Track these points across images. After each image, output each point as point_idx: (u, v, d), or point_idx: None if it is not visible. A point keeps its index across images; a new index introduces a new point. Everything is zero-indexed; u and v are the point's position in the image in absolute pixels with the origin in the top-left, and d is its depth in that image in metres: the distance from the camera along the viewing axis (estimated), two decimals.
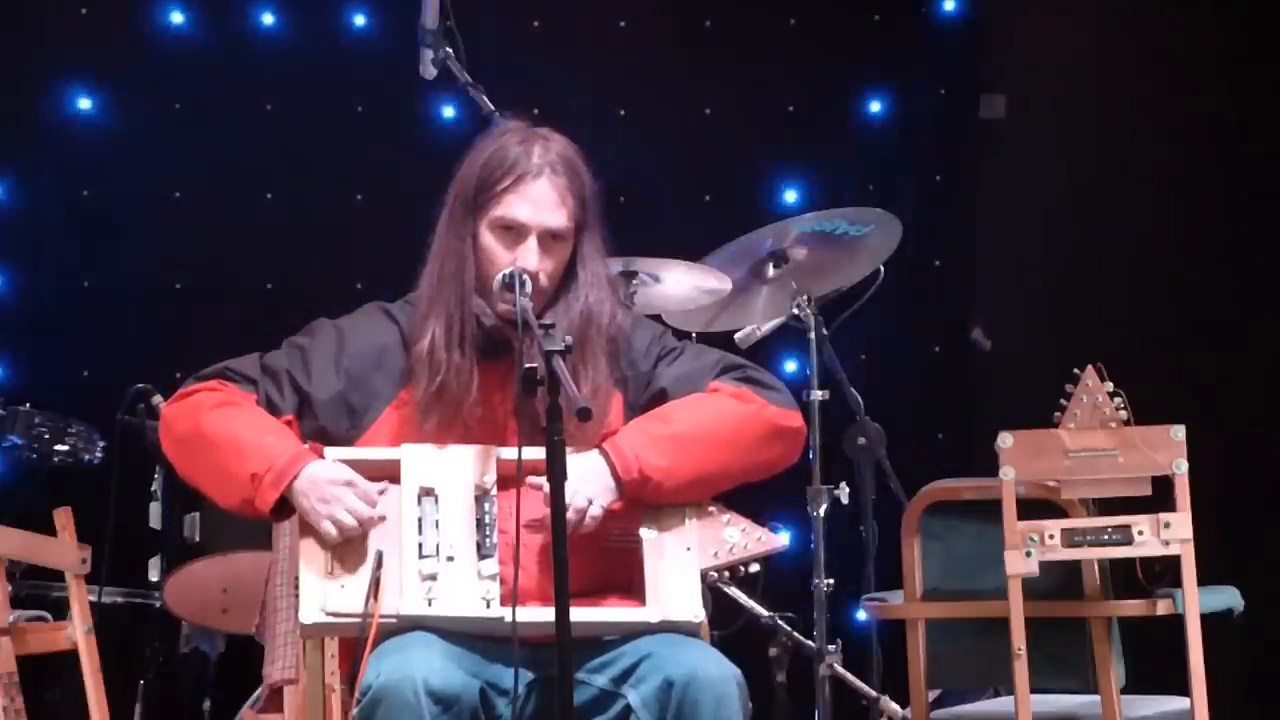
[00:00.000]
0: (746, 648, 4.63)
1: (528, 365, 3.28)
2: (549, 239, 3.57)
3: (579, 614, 3.27)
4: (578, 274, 3.60)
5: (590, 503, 3.42)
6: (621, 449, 3.47)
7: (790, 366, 6.05)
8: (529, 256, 3.54)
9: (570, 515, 3.36)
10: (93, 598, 4.21)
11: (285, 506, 3.40)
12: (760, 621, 4.96)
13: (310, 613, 3.33)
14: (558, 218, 3.57)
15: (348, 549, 3.39)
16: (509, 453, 3.41)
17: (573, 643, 3.20)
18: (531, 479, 3.36)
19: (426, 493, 3.42)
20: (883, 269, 5.08)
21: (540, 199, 3.56)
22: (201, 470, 3.49)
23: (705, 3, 6.56)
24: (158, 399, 4.87)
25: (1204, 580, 3.83)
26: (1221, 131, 6.23)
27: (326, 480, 3.38)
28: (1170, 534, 3.77)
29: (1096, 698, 3.89)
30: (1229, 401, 6.03)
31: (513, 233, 3.56)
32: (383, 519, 3.40)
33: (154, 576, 5.05)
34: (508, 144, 3.61)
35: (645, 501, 3.50)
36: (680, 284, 4.92)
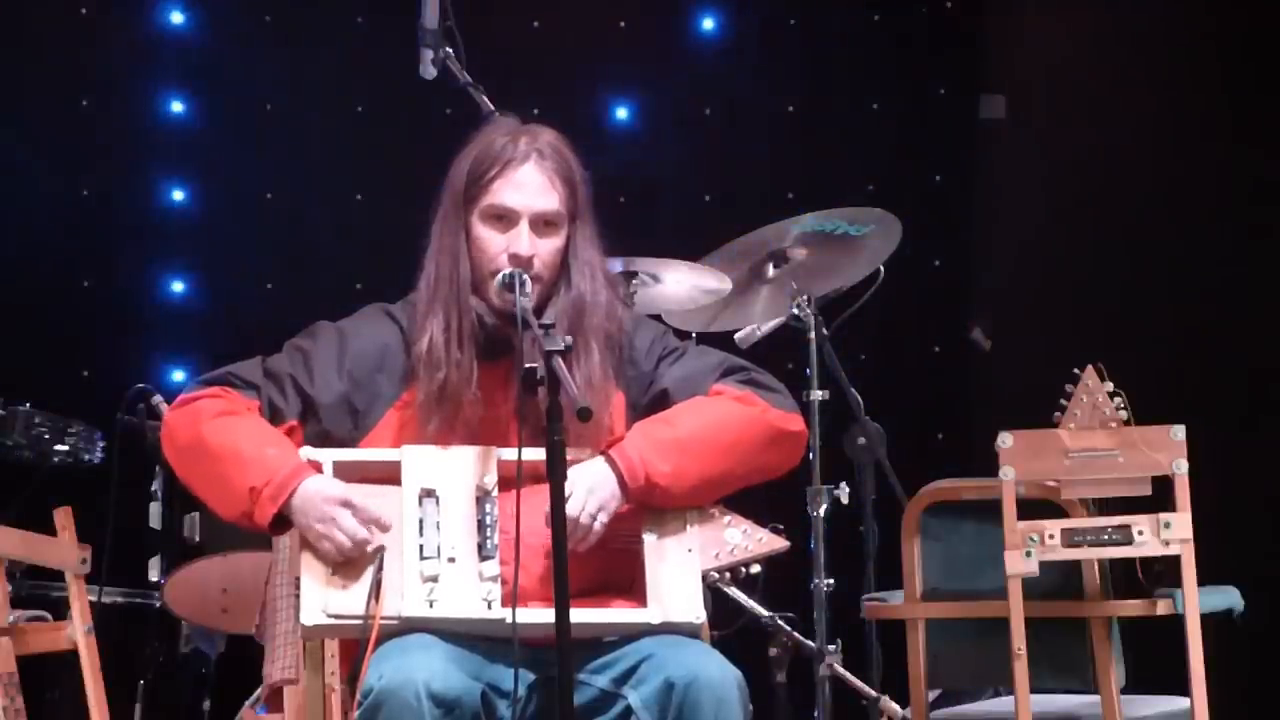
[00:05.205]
0: (746, 648, 4.63)
1: (528, 365, 3.28)
2: (541, 224, 3.57)
3: (579, 615, 3.27)
4: (570, 264, 3.60)
5: (594, 517, 3.43)
6: (628, 455, 3.47)
7: (790, 366, 6.05)
8: (521, 242, 3.54)
9: (576, 531, 3.38)
10: (93, 598, 4.21)
11: (283, 520, 3.40)
12: (760, 622, 4.96)
13: (311, 614, 3.33)
14: (547, 201, 3.57)
15: None
16: (510, 453, 3.41)
17: (573, 644, 3.20)
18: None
19: (427, 494, 3.42)
20: (883, 269, 5.08)
21: (528, 183, 3.56)
22: (202, 480, 3.49)
23: (706, 3, 6.56)
24: (158, 399, 4.87)
25: (1204, 580, 3.83)
26: (1221, 131, 6.23)
27: (324, 499, 3.37)
28: (1170, 534, 3.78)
29: (1096, 698, 3.89)
30: (1229, 401, 6.03)
31: (504, 220, 3.56)
32: (384, 535, 3.40)
33: (154, 576, 5.05)
34: (495, 137, 3.62)
35: (650, 505, 3.50)
36: (680, 284, 4.92)
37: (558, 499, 3.24)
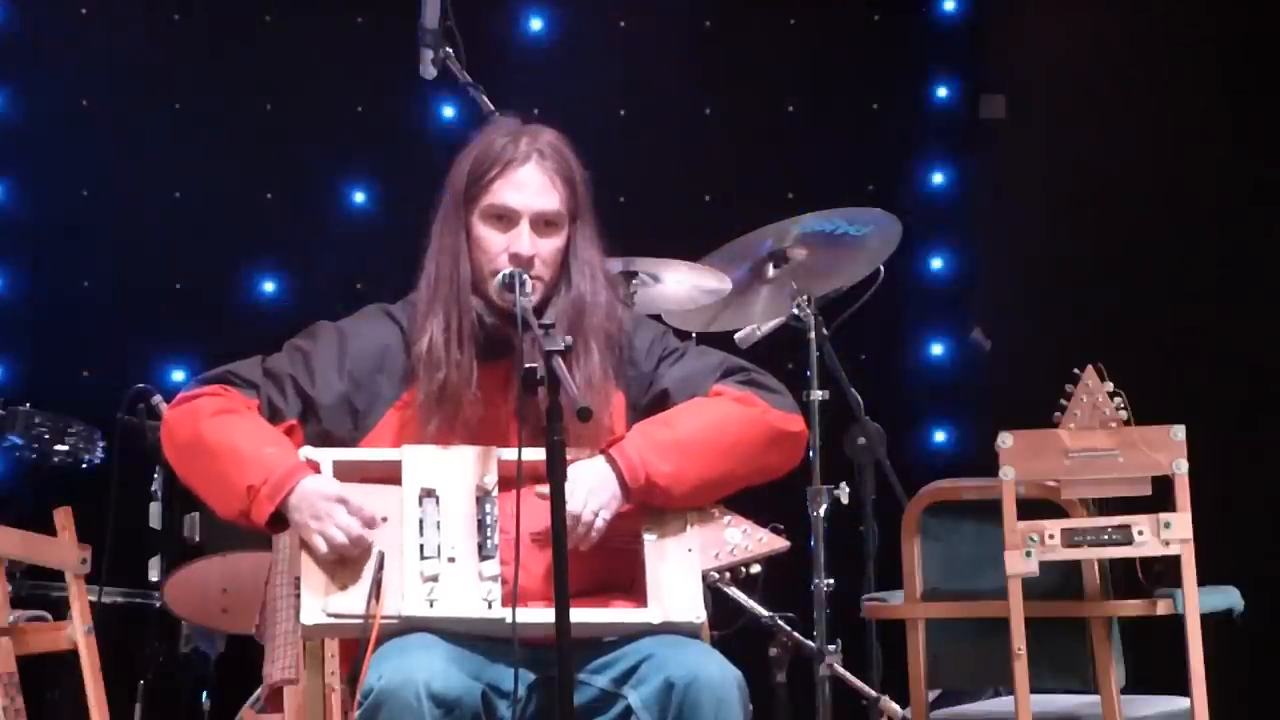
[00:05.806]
0: (746, 648, 4.63)
1: (528, 365, 3.28)
2: (541, 224, 3.57)
3: (580, 615, 3.27)
4: (570, 264, 3.60)
5: (596, 515, 3.43)
6: (629, 455, 3.46)
7: (790, 366, 6.05)
8: (522, 241, 3.54)
9: (577, 530, 3.38)
10: (93, 598, 4.21)
11: (281, 519, 3.40)
12: (760, 622, 4.96)
13: (312, 614, 3.33)
14: (548, 201, 3.57)
15: None
16: (510, 454, 3.41)
17: (573, 644, 3.20)
18: (540, 489, 3.36)
19: (428, 494, 3.42)
20: (883, 269, 5.08)
21: (529, 183, 3.56)
22: (200, 478, 3.49)
23: (706, 3, 6.56)
24: (158, 399, 4.87)
25: (1204, 580, 3.83)
26: (1221, 131, 6.24)
27: (320, 496, 3.37)
28: (1170, 534, 3.77)
29: (1096, 698, 3.89)
30: (1229, 402, 6.03)
31: (504, 220, 3.56)
32: (373, 540, 3.40)
33: (154, 576, 5.04)
34: (495, 138, 3.62)
35: (650, 505, 3.50)
36: (680, 284, 4.92)
37: (558, 499, 3.24)
